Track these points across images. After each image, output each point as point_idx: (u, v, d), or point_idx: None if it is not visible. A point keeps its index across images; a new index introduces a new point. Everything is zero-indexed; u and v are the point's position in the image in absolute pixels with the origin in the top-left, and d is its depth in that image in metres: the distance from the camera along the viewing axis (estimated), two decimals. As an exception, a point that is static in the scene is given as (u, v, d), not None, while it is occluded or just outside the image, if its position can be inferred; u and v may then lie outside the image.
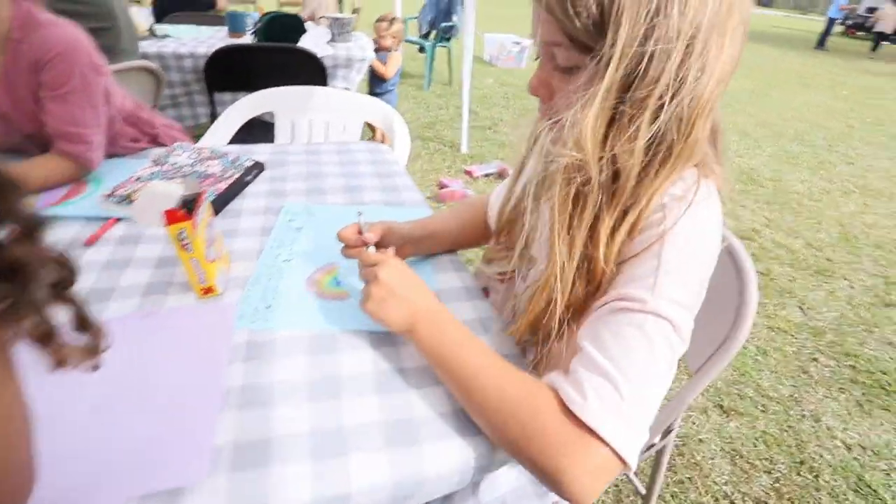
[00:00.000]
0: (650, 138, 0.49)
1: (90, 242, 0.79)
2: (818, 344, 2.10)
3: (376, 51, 3.34)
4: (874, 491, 1.47)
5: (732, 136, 4.93)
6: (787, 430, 1.66)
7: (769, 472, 1.51)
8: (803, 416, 1.73)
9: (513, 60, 6.80)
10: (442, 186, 3.03)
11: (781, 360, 1.98)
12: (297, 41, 2.34)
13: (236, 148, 1.17)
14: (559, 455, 0.46)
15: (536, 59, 0.57)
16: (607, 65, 0.46)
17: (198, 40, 2.44)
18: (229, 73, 2.17)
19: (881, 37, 13.97)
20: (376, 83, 3.53)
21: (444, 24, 5.25)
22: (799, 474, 1.51)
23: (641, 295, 0.49)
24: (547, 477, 0.47)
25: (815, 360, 2.01)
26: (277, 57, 2.21)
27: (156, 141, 1.14)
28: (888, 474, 1.54)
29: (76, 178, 0.97)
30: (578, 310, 0.55)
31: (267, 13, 2.37)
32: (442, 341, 0.56)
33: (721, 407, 1.73)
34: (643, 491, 1.14)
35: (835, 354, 2.05)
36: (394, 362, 0.61)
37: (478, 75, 6.04)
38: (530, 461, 0.48)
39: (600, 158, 0.50)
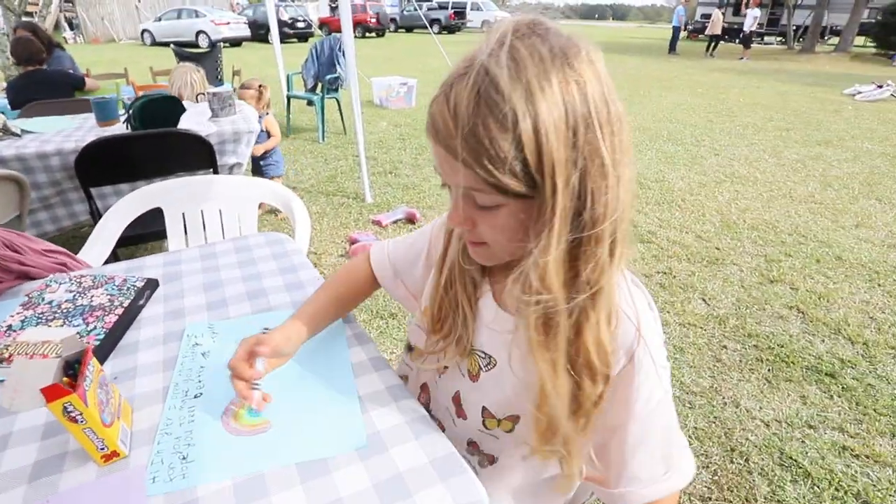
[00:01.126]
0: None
1: (-43, 422, 0.69)
2: (724, 330, 2.30)
3: None
4: (795, 461, 1.62)
5: (615, 145, 5.35)
6: (714, 422, 1.79)
7: (707, 467, 1.61)
8: (725, 403, 1.87)
9: (402, 101, 6.97)
10: (353, 242, 3.00)
11: (697, 354, 2.14)
12: (176, 123, 2.24)
13: (123, 266, 1.08)
14: None
15: (443, 187, 0.59)
16: (553, 208, 0.50)
17: (63, 134, 2.26)
18: (106, 165, 2.03)
19: (714, 38, 16.08)
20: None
21: (328, 76, 5.29)
22: (732, 461, 1.63)
23: (655, 389, 0.61)
24: None
25: (724, 346, 2.19)
26: (158, 142, 2.10)
27: (27, 277, 1.02)
28: (803, 441, 1.70)
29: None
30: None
31: (138, 97, 2.25)
32: None
33: (654, 412, 1.83)
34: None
35: (739, 338, 2.25)
36: (329, 495, 0.58)
37: (371, 120, 6.12)
38: None
39: (570, 289, 0.54)
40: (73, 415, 0.58)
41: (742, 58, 14.88)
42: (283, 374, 0.76)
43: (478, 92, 0.48)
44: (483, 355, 0.70)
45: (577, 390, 0.58)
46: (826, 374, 2.02)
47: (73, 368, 0.61)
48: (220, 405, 0.71)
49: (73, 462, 0.63)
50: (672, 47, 16.52)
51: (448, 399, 0.76)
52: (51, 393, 0.56)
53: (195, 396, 0.72)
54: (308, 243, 1.43)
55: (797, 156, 5.06)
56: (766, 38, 24.21)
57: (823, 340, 2.23)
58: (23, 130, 2.29)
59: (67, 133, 2.29)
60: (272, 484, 0.60)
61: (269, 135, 3.45)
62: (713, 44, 16.36)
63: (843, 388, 1.94)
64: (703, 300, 2.54)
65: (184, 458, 0.63)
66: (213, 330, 0.86)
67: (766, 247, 3.10)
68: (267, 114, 3.44)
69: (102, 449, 0.61)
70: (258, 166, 3.48)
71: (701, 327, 2.32)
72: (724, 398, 1.90)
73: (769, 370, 2.04)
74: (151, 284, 0.99)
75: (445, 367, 0.76)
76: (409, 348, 0.85)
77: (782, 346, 2.18)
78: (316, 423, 0.68)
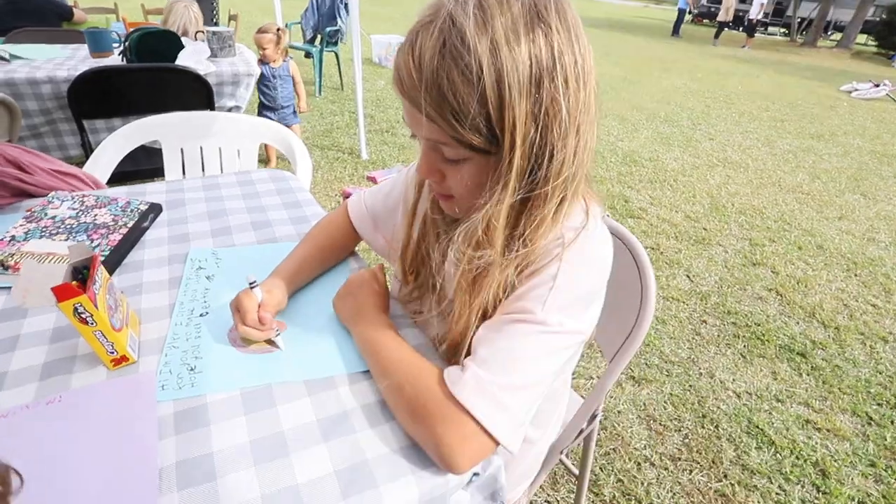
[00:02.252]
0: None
1: (-38, 323, 0.70)
2: (705, 307, 2.36)
3: (260, 62, 3.19)
4: (762, 430, 1.70)
5: (613, 121, 5.35)
6: (689, 390, 1.86)
7: (679, 431, 1.68)
8: (700, 374, 1.95)
9: (403, 61, 6.82)
10: (347, 195, 2.97)
11: (678, 327, 2.21)
12: (174, 59, 2.17)
13: (125, 190, 1.07)
14: (437, 424, 0.54)
15: (412, 138, 0.59)
16: (510, 163, 0.50)
17: (54, 63, 2.18)
18: (100, 97, 1.97)
19: (722, 25, 15.36)
20: (270, 101, 3.34)
21: (328, 29, 5.14)
22: (703, 427, 1.71)
23: (532, 307, 0.56)
24: (428, 445, 0.55)
25: (704, 321, 2.26)
26: (156, 77, 2.04)
27: (29, 195, 1.01)
28: (770, 413, 1.78)
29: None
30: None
31: (136, 29, 2.17)
32: (371, 336, 0.67)
33: (633, 378, 1.89)
34: (576, 472, 1.23)
35: (719, 314, 2.32)
36: (336, 406, 0.61)
37: (369, 78, 6.00)
38: (417, 430, 0.56)
39: (508, 244, 0.56)
40: (83, 316, 0.59)
41: (744, 46, 14.78)
42: (292, 303, 0.78)
43: (443, 42, 0.47)
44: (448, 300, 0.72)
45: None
46: (798, 353, 2.10)
47: (81, 274, 0.62)
48: (227, 325, 0.72)
49: (83, 365, 0.64)
50: (676, 30, 16.31)
51: (441, 336, 0.78)
52: (62, 292, 0.57)
53: (201, 315, 0.74)
54: (310, 186, 1.42)
55: (789, 147, 5.11)
56: (770, 29, 24.06)
57: (798, 322, 2.31)
58: (11, 55, 2.20)
59: (59, 61, 2.21)
60: (279, 395, 0.62)
61: (294, 81, 3.32)
62: (721, 31, 15.76)
63: (812, 367, 2.03)
64: (688, 277, 2.60)
65: (192, 370, 0.64)
66: (216, 256, 0.87)
67: (752, 231, 3.17)
68: (291, 58, 3.31)
69: (112, 353, 0.62)
70: (280, 113, 3.32)
71: (684, 302, 2.38)
72: (700, 369, 1.97)
73: (745, 346, 2.12)
74: (155, 208, 0.98)
75: (421, 312, 0.78)
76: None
77: (759, 325, 2.26)
78: (322, 345, 0.70)
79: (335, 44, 5.31)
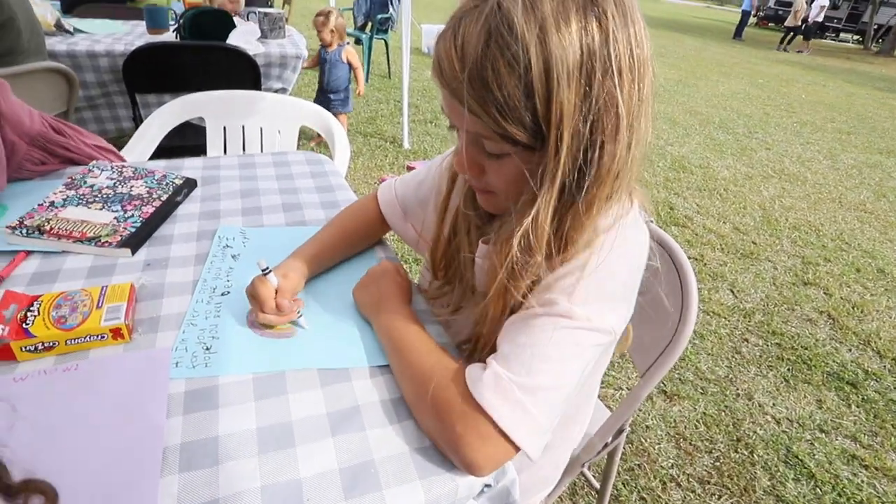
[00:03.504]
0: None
1: (-4, 284, 0.71)
2: (748, 324, 2.24)
3: (322, 48, 3.22)
4: (801, 461, 1.59)
5: (663, 124, 5.16)
6: (724, 410, 1.77)
7: (710, 452, 1.60)
8: (738, 395, 1.85)
9: (451, 52, 6.78)
10: (386, 185, 2.98)
11: (717, 343, 2.10)
12: (224, 38, 2.20)
13: (163, 164, 1.08)
14: (456, 422, 0.51)
15: (450, 129, 0.56)
16: (556, 160, 0.47)
17: (114, 37, 2.25)
18: (152, 73, 2.03)
19: (790, 30, 14.17)
20: (333, 84, 3.32)
21: (379, 16, 5.14)
22: (736, 451, 1.62)
23: (558, 298, 0.53)
24: (448, 443, 0.52)
25: (746, 340, 2.14)
26: (205, 56, 2.08)
27: (71, 161, 1.03)
28: (812, 444, 1.67)
29: (-25, 206, 0.86)
30: None
31: (191, 7, 2.22)
32: (393, 326, 0.64)
33: (665, 392, 1.81)
34: (597, 485, 1.18)
35: (763, 334, 2.19)
36: (347, 400, 0.58)
37: (417, 67, 5.99)
38: (436, 427, 0.53)
39: (550, 246, 0.52)
40: (43, 345, 0.61)
41: (801, 51, 13.92)
42: (313, 289, 0.76)
43: (488, 30, 0.44)
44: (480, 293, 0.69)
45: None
46: (847, 382, 1.96)
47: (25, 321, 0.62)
48: (247, 305, 0.71)
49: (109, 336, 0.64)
50: (738, 32, 15.59)
51: (466, 334, 0.75)
52: (5, 354, 0.60)
53: (222, 294, 0.73)
54: (345, 172, 1.41)
55: (854, 161, 4.80)
56: (843, 35, 22.69)
57: (850, 350, 2.16)
58: (75, 29, 2.29)
59: (118, 36, 2.28)
60: (292, 383, 0.60)
61: (350, 66, 3.28)
62: (789, 36, 14.36)
63: (863, 398, 1.89)
64: (732, 292, 2.47)
65: (207, 349, 0.63)
66: (244, 235, 0.86)
67: (806, 248, 2.99)
68: (346, 43, 3.30)
69: (102, 337, 0.63)
70: (327, 99, 3.31)
71: (725, 318, 2.27)
72: (737, 390, 1.87)
73: (788, 370, 2.00)
74: (190, 183, 0.99)
75: (458, 308, 0.75)
76: (418, 287, 0.83)
77: (806, 349, 2.12)
78: (340, 335, 0.68)
79: (385, 31, 5.32)
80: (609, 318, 0.54)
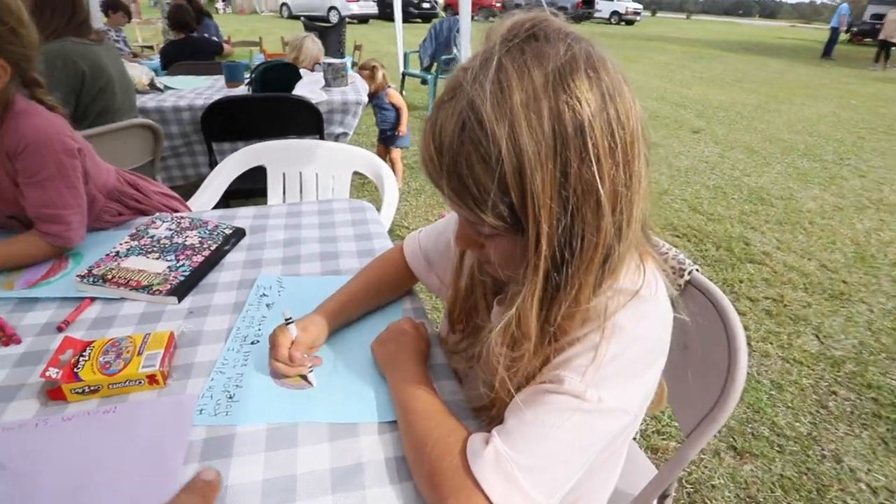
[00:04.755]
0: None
1: (62, 328, 0.79)
2: (837, 375, 2.01)
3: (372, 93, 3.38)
4: (903, 540, 1.38)
5: (739, 154, 4.88)
6: (806, 473, 1.58)
7: (788, 522, 1.43)
8: (823, 456, 1.65)
9: (515, 87, 6.86)
10: (443, 222, 3.02)
11: (798, 395, 1.90)
12: (291, 89, 2.38)
13: (218, 214, 1.17)
14: (449, 495, 0.50)
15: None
16: (537, 251, 0.46)
17: (196, 92, 2.51)
18: (226, 123, 2.22)
19: (884, 44, 12.49)
20: (382, 124, 3.49)
21: (444, 57, 5.34)
22: (821, 522, 1.43)
23: (569, 377, 0.50)
24: None
25: (834, 393, 1.92)
26: (273, 106, 2.25)
27: (142, 212, 1.15)
28: (918, 520, 1.45)
29: (57, 254, 0.97)
30: None
31: (262, 63, 2.42)
32: (403, 385, 0.65)
33: (734, 448, 1.65)
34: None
35: (855, 386, 1.96)
36: (352, 457, 0.59)
37: (480, 104, 6.10)
38: (430, 495, 0.53)
39: (542, 333, 0.51)
40: (89, 388, 0.67)
41: (874, 68, 12.48)
42: (337, 339, 0.78)
43: (462, 125, 0.44)
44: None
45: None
46: (965, 447, 1.69)
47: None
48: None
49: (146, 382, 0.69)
50: (827, 51, 14.56)
51: (482, 385, 0.74)
52: (53, 394, 0.66)
53: (252, 343, 0.76)
54: (393, 214, 1.45)
55: (971, 189, 4.26)
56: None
57: (968, 408, 1.87)
58: (165, 86, 2.57)
59: (200, 91, 2.54)
60: (303, 436, 0.61)
61: (395, 108, 3.42)
62: (884, 52, 12.58)
63: (983, 468, 1.62)
64: (817, 337, 2.24)
65: (230, 398, 0.66)
66: (280, 284, 0.91)
67: (909, 289, 2.66)
68: (389, 86, 3.48)
69: (139, 382, 0.68)
70: (387, 137, 3.48)
71: (808, 367, 2.05)
72: (823, 450, 1.67)
73: (888, 430, 1.76)
74: (238, 233, 1.06)
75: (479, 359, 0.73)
76: (438, 335, 0.83)
77: (910, 406, 1.86)
78: (354, 389, 0.69)
79: (449, 71, 5.50)
80: (624, 399, 0.51)
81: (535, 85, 0.42)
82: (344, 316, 0.80)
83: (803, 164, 4.65)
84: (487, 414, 0.62)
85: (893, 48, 12.27)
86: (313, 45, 3.13)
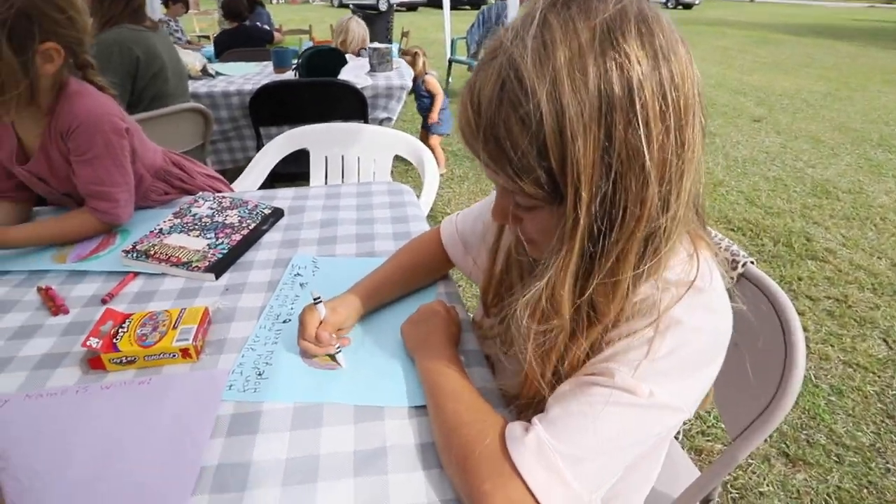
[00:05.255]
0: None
1: (106, 301, 0.82)
2: (906, 383, 1.86)
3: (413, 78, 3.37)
4: (977, 566, 1.27)
5: (803, 144, 4.57)
6: (867, 487, 1.47)
7: (845, 538, 1.34)
8: (888, 469, 1.52)
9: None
10: (485, 209, 2.99)
11: (861, 402, 1.77)
12: (337, 74, 2.39)
13: (258, 194, 1.19)
14: (485, 480, 0.48)
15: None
16: (575, 222, 0.43)
17: (245, 77, 2.56)
18: (273, 107, 2.26)
19: None
20: (420, 110, 3.51)
21: (491, 43, 5.25)
22: (881, 540, 1.33)
23: (619, 370, 0.47)
24: (471, 499, 0.49)
25: (902, 402, 1.78)
26: (318, 90, 2.27)
27: (187, 192, 1.18)
28: None
29: (106, 230, 1.01)
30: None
31: (307, 48, 2.45)
32: (433, 367, 0.63)
33: (787, 455, 1.56)
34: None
35: (926, 396, 1.80)
36: (376, 440, 0.58)
37: (527, 91, 5.98)
38: (462, 480, 0.50)
39: (576, 311, 0.48)
40: (126, 359, 0.68)
41: None
42: (369, 321, 0.77)
43: (501, 85, 0.41)
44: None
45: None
46: None
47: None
48: (303, 335, 0.74)
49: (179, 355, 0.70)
50: (910, 34, 13.41)
51: (516, 375, 0.71)
52: (94, 363, 0.68)
53: (284, 322, 0.76)
54: (433, 198, 1.44)
55: None
56: None
57: None
58: (217, 73, 2.64)
59: (249, 76, 2.59)
60: (328, 416, 0.61)
61: (431, 95, 3.42)
62: None
63: None
64: (885, 341, 2.07)
65: (259, 375, 0.67)
66: (315, 265, 0.91)
67: None
68: (428, 73, 3.46)
69: (173, 356, 0.69)
70: (426, 124, 3.50)
71: (874, 372, 1.90)
72: (887, 463, 1.54)
73: (962, 445, 1.61)
74: (277, 213, 1.07)
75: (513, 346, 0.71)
76: (473, 321, 0.81)
77: None
78: (383, 371, 0.68)
79: (496, 58, 5.40)
80: (678, 395, 0.48)
81: (580, 40, 0.39)
82: (377, 298, 0.79)
83: (877, 156, 4.30)
84: (516, 402, 0.60)
85: None
86: (358, 26, 3.13)
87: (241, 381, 0.66)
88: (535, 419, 0.50)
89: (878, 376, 1.89)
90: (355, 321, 0.75)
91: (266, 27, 4.36)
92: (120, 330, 0.71)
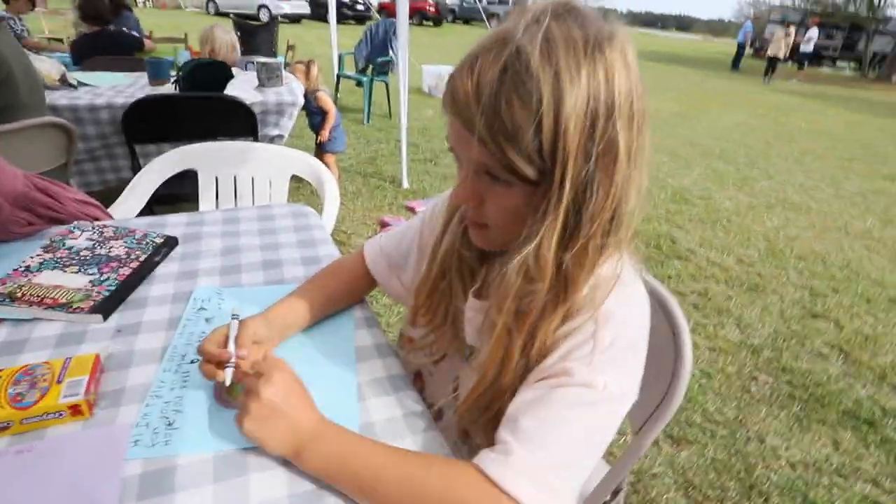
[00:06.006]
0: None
1: (-39, 355, 0.69)
2: (757, 361, 2.18)
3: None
4: (820, 510, 1.51)
5: (664, 157, 5.18)
6: (735, 455, 1.69)
7: (721, 501, 1.52)
8: (748, 438, 1.77)
9: (452, 91, 6.89)
10: (384, 225, 2.98)
11: (724, 382, 2.04)
12: (223, 88, 2.26)
13: (146, 221, 1.08)
14: None
15: (456, 159, 0.57)
16: (559, 197, 0.49)
17: (116, 89, 2.32)
18: (152, 124, 2.07)
19: (773, 61, 13.08)
20: (313, 127, 3.44)
21: (379, 59, 5.28)
22: (749, 499, 1.54)
23: (575, 368, 0.52)
24: None
25: (755, 378, 2.07)
26: (203, 106, 2.12)
27: (57, 221, 1.03)
28: (830, 490, 1.59)
29: (-47, 271, 0.86)
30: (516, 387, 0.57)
31: (191, 60, 2.28)
32: (334, 452, 0.55)
33: (671, 437, 1.74)
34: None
35: (773, 371, 2.13)
36: (311, 481, 0.55)
37: (417, 107, 6.10)
38: None
39: (555, 277, 0.53)
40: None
41: (794, 80, 13.98)
42: (283, 353, 0.73)
43: (504, 67, 0.47)
44: (468, 346, 0.69)
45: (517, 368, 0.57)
46: (864, 421, 1.88)
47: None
48: (216, 373, 0.68)
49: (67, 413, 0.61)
50: (735, 64, 15.87)
51: (447, 384, 0.73)
52: None
53: (191, 362, 0.70)
54: (334, 221, 1.41)
55: (858, 188, 4.77)
56: (839, 63, 22.99)
57: (865, 385, 2.08)
58: (79, 82, 2.36)
59: (120, 89, 2.35)
60: (254, 461, 0.57)
61: (323, 112, 3.36)
62: (770, 68, 13.16)
63: (882, 438, 1.81)
64: (738, 327, 2.41)
65: (169, 424, 0.61)
66: (220, 296, 0.84)
67: (813, 279, 2.93)
68: (319, 90, 3.39)
69: (60, 414, 0.60)
70: (319, 141, 3.41)
71: (732, 354, 2.20)
72: (748, 432, 1.79)
73: (801, 409, 1.92)
74: (170, 242, 0.98)
75: (443, 356, 0.73)
76: (401, 336, 0.83)
77: (819, 386, 2.05)
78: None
79: (385, 73, 5.45)
80: (626, 384, 0.54)
81: (576, 49, 0.47)
82: (296, 321, 0.76)
83: (720, 167, 5.01)
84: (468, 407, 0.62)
85: (780, 63, 13.19)
86: (224, 33, 2.94)
87: (147, 434, 0.59)
88: (505, 437, 0.52)
89: (735, 357, 2.19)
90: (271, 340, 0.71)
91: (134, 33, 3.97)
92: None
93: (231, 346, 0.63)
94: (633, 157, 0.50)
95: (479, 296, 0.66)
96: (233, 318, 0.67)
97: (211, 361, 0.64)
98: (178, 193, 2.07)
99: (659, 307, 0.85)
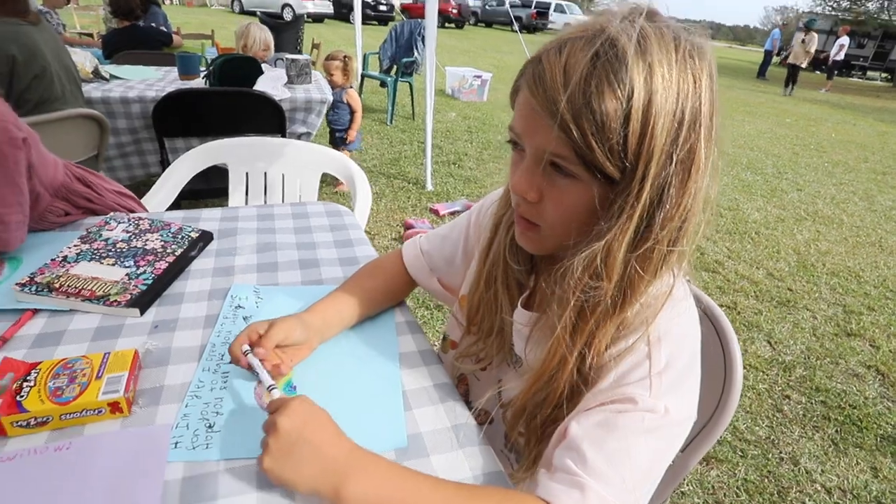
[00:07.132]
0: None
1: (-1, 346, 0.68)
2: (789, 379, 2.10)
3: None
4: (859, 539, 1.44)
5: (689, 165, 5.07)
6: (767, 476, 1.63)
7: (754, 526, 1.46)
8: (781, 458, 1.70)
9: (474, 93, 6.88)
10: (408, 227, 2.96)
11: (755, 399, 1.97)
12: (252, 84, 2.26)
13: (181, 215, 1.06)
14: None
15: (515, 149, 0.55)
16: (638, 195, 0.47)
17: (147, 83, 2.33)
18: (181, 118, 2.07)
19: (794, 69, 11.82)
20: (334, 122, 3.44)
21: (405, 60, 5.28)
22: (783, 525, 1.48)
23: (636, 393, 0.51)
24: None
25: (787, 397, 2.00)
26: (233, 101, 2.12)
27: (93, 212, 1.02)
28: (869, 519, 1.52)
29: (-9, 259, 0.85)
30: (569, 403, 0.56)
31: (220, 55, 2.28)
32: (385, 490, 0.49)
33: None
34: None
35: (806, 390, 2.05)
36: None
37: (441, 109, 6.08)
38: None
39: (619, 281, 0.51)
40: (36, 420, 0.57)
41: (823, 89, 13.70)
42: (325, 357, 0.71)
43: (596, 53, 0.45)
44: (515, 355, 0.68)
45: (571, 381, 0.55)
46: (905, 447, 1.80)
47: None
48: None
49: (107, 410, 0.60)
50: (762, 72, 15.60)
51: (492, 388, 0.71)
52: None
53: (230, 362, 0.68)
54: (366, 220, 1.38)
55: (893, 202, 4.63)
56: (870, 73, 22.48)
57: (904, 410, 2.00)
58: (111, 75, 2.38)
59: (151, 82, 2.36)
60: (298, 471, 0.54)
61: (351, 109, 3.36)
62: (791, 78, 11.83)
63: (923, 466, 1.73)
64: (769, 343, 2.34)
65: (210, 427, 0.58)
66: (258, 295, 0.82)
67: (846, 296, 2.84)
68: (350, 87, 3.38)
69: (99, 411, 0.58)
70: (338, 138, 3.44)
71: (763, 371, 2.13)
72: (781, 453, 1.73)
73: (837, 431, 1.85)
74: (206, 237, 0.96)
75: (489, 365, 0.71)
76: (444, 339, 0.81)
77: (855, 408, 1.97)
78: (354, 414, 0.62)
79: (410, 74, 5.45)
80: (686, 406, 0.53)
81: (669, 52, 0.46)
82: (336, 321, 0.73)
83: (747, 177, 4.90)
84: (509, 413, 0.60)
85: (801, 71, 11.86)
86: (260, 30, 2.98)
87: (188, 436, 0.57)
88: (571, 467, 0.49)
89: (766, 374, 2.12)
90: (307, 344, 0.69)
91: (163, 28, 4.01)
92: (24, 384, 0.59)
93: (257, 349, 0.62)
94: (707, 170, 0.49)
95: (528, 306, 0.64)
96: (244, 352, 0.63)
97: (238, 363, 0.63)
98: (201, 189, 2.07)
99: (709, 320, 0.82)
